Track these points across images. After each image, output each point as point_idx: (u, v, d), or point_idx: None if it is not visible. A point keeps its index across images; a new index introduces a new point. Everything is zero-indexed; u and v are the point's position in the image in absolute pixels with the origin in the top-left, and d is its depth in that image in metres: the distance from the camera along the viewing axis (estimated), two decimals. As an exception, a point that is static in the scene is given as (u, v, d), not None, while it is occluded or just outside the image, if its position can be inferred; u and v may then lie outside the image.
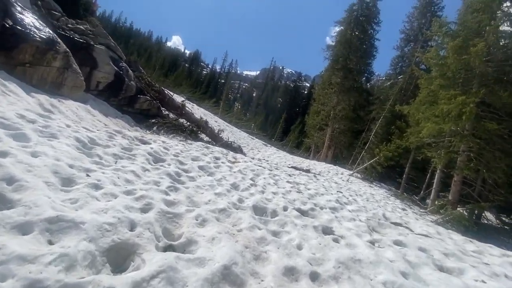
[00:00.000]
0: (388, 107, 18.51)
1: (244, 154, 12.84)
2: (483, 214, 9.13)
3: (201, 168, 5.48)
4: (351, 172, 14.43)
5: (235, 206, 3.72)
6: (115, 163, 3.77)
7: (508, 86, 7.92)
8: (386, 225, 4.84)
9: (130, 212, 2.41)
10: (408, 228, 5.31)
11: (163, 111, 12.47)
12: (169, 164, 4.78)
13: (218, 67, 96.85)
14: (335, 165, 17.40)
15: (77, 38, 8.63)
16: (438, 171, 10.82)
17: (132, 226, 2.23)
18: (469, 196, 9.42)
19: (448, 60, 8.88)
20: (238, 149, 13.13)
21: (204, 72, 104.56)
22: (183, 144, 7.73)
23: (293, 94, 77.49)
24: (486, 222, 8.82)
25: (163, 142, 6.79)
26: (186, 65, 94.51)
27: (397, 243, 3.78)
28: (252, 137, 26.53)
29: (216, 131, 13.55)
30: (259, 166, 8.34)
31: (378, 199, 8.93)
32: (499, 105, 7.63)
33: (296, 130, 40.12)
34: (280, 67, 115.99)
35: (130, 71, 10.48)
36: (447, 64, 9.15)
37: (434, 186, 10.72)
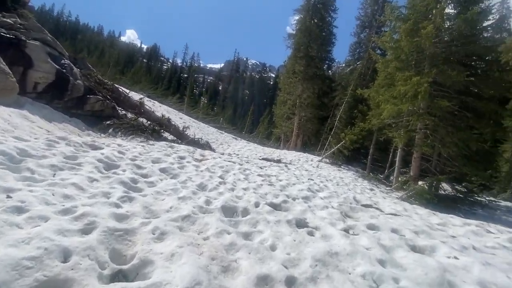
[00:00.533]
0: (349, 92, 19.17)
1: (213, 150, 12.40)
2: (440, 186, 9.88)
3: (163, 170, 5.02)
4: (320, 158, 14.76)
5: (201, 209, 3.38)
6: (53, 176, 3.19)
7: (455, 65, 8.49)
8: (357, 209, 4.85)
9: (64, 237, 1.96)
10: (378, 209, 5.42)
11: (120, 111, 11.47)
12: (123, 170, 4.26)
13: (179, 61, 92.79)
14: (304, 153, 17.71)
15: (4, 33, 7.40)
16: (399, 149, 11.45)
17: (66, 256, 1.79)
18: (428, 171, 10.11)
19: (402, 43, 9.25)
20: (206, 146, 12.62)
21: (165, 67, 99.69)
22: (143, 146, 7.10)
23: (260, 85, 77.57)
24: (444, 193, 9.59)
25: (119, 145, 6.14)
26: (144, 60, 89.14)
27: (371, 227, 3.77)
28: (221, 131, 25.95)
29: (181, 128, 12.86)
30: (228, 161, 8.03)
31: (347, 182, 9.18)
32: (449, 83, 8.17)
33: (265, 121, 40.29)
34: (244, 59, 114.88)
35: (76, 69, 9.37)
36: (401, 47, 9.53)
37: (396, 164, 11.35)
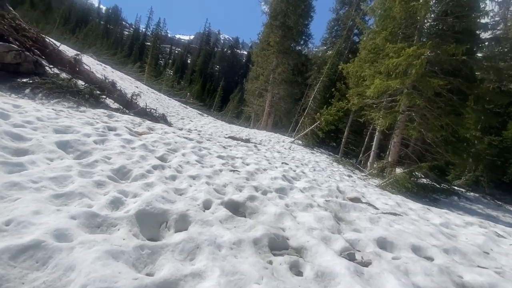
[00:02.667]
0: (325, 71, 17.99)
1: (169, 124, 10.40)
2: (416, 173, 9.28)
3: (63, 145, 3.16)
4: (293, 139, 13.56)
5: (90, 223, 1.71)
6: None
7: (451, 39, 7.47)
8: (348, 206, 3.55)
9: None
10: (370, 204, 4.21)
11: (48, 69, 8.83)
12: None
13: (142, 27, 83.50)
14: (275, 133, 16.42)
15: None
16: (377, 133, 10.61)
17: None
18: (406, 157, 9.40)
19: (394, 9, 7.94)
20: (160, 118, 10.53)
21: (126, 32, 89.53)
22: (61, 111, 5.00)
23: (231, 61, 73.63)
24: (423, 181, 9.01)
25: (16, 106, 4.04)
26: (102, 22, 78.66)
27: (382, 243, 2.45)
28: (186, 106, 23.43)
29: (129, 96, 10.48)
30: (183, 138, 6.29)
31: (324, 167, 8.02)
32: (444, 59, 7.17)
33: (235, 99, 38.11)
34: (216, 32, 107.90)
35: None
36: (392, 15, 8.25)
37: (373, 149, 10.55)
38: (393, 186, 7.77)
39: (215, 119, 22.58)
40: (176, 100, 27.62)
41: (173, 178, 3.18)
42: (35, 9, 51.67)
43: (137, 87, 19.59)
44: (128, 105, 10.15)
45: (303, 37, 21.96)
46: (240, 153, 5.95)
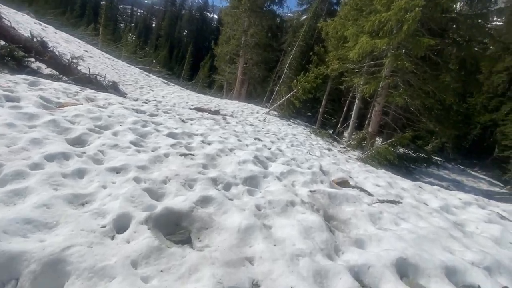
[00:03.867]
0: (302, 34, 16.53)
1: (122, 94, 8.75)
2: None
3: None
4: (267, 110, 12.48)
5: None
6: None
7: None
8: (338, 197, 2.69)
9: None
10: (362, 189, 3.42)
11: None
12: None
13: (96, -17, 72.15)
14: (249, 104, 15.19)
15: None
16: (357, 101, 9.89)
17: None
18: (386, 126, 8.87)
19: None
20: (110, 87, 8.77)
21: (77, -12, 77.37)
22: None
23: (201, 25, 67.78)
24: (402, 152, 8.62)
25: None
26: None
27: (403, 267, 1.59)
28: (148, 74, 20.88)
29: (67, 58, 8.47)
30: (131, 110, 4.99)
31: (302, 141, 7.17)
32: (436, 15, 6.26)
33: (206, 66, 35.36)
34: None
35: None
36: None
37: (352, 118, 9.89)
38: (374, 158, 7.22)
39: (182, 88, 20.53)
40: (138, 67, 24.64)
41: (80, 174, 2.01)
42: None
43: (86, 51, 16.70)
44: (65, 70, 8.23)
45: (277, -4, 19.83)
46: (203, 128, 4.78)
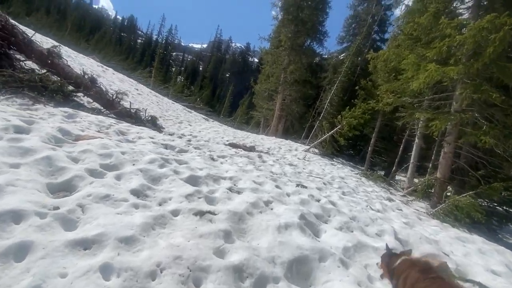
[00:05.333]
0: (344, 70, 15.83)
1: (158, 128, 8.61)
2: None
3: None
4: (307, 147, 11.43)
5: None
6: None
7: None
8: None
9: None
10: (475, 282, 2.10)
11: (15, 60, 7.37)
12: None
13: (155, 35, 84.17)
14: (286, 140, 14.36)
15: None
16: (417, 140, 8.35)
17: None
18: (458, 171, 7.12)
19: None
20: (148, 121, 8.75)
21: (140, 41, 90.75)
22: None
23: (242, 67, 72.56)
24: (491, 206, 6.65)
25: None
26: (117, 30, 79.86)
27: None
28: (190, 110, 21.78)
29: (113, 94, 8.77)
30: (160, 145, 4.47)
31: (354, 187, 5.88)
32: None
33: (245, 104, 36.39)
34: (227, 39, 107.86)
35: None
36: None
37: (412, 160, 8.28)
38: (450, 214, 5.52)
39: (221, 124, 20.79)
40: (182, 104, 26.14)
41: (19, 253, 1.21)
42: (49, 16, 52.56)
43: (137, 89, 18.15)
44: (109, 105, 8.41)
45: (318, 35, 19.93)
46: (234, 168, 3.93)
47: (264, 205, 2.56)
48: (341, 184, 5.43)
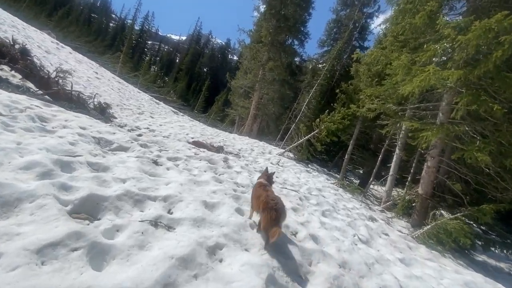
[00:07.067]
0: (323, 73, 15.29)
1: (107, 118, 7.14)
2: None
3: None
4: (282, 150, 10.54)
5: None
6: None
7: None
8: None
9: None
10: None
11: None
12: None
13: (129, 20, 78.55)
14: (260, 141, 13.40)
15: None
16: (397, 151, 7.82)
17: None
18: (440, 188, 6.64)
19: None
20: (94, 108, 7.22)
21: (112, 25, 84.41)
22: None
23: (220, 63, 70.54)
24: (481, 230, 6.20)
25: None
26: (86, 10, 73.25)
27: None
28: (158, 102, 19.92)
29: (51, 71, 7.09)
30: (84, 137, 3.21)
31: (332, 202, 5.02)
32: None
33: (220, 101, 34.93)
34: (207, 33, 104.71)
35: None
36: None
37: (391, 172, 7.72)
38: (435, 237, 4.90)
39: (191, 119, 19.27)
40: (150, 95, 24.03)
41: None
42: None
43: (96, 72, 15.98)
44: (43, 83, 6.78)
45: (299, 35, 19.26)
46: (180, 180, 2.78)
47: (206, 257, 1.48)
48: (319, 200, 4.53)
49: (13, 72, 7.02)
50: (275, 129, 20.30)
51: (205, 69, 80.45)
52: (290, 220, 2.71)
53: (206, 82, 40.90)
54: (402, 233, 4.98)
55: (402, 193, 7.38)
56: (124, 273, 1.14)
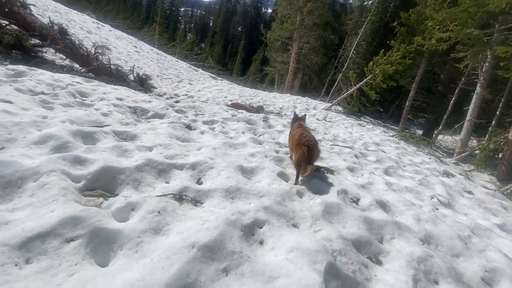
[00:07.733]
0: (375, 6, 12.81)
1: (146, 89, 7.20)
2: None
3: None
4: (329, 104, 9.55)
5: None
6: None
7: None
8: None
9: None
10: None
11: None
12: None
13: (160, -13, 77.11)
14: (303, 97, 12.42)
15: None
16: (478, 90, 6.25)
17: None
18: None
19: None
20: (134, 80, 7.30)
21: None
22: None
23: (254, 19, 66.16)
24: None
25: None
26: (119, -15, 74.09)
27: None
28: (197, 68, 19.81)
29: (90, 48, 7.21)
30: (119, 107, 3.07)
31: (395, 157, 4.26)
32: None
33: (258, 59, 33.38)
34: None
35: None
36: None
37: (468, 117, 6.29)
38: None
39: (230, 83, 18.85)
40: (188, 63, 24.05)
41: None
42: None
43: (135, 46, 16.31)
44: (83, 61, 6.99)
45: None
46: (214, 144, 2.45)
47: (240, 241, 1.12)
48: (379, 156, 3.84)
49: (57, 53, 7.38)
50: (319, 82, 18.67)
51: (239, 28, 76.83)
52: (348, 183, 2.20)
53: (242, 42, 39.20)
54: (489, 189, 4.05)
55: (483, 141, 6.04)
56: (128, 271, 0.85)
